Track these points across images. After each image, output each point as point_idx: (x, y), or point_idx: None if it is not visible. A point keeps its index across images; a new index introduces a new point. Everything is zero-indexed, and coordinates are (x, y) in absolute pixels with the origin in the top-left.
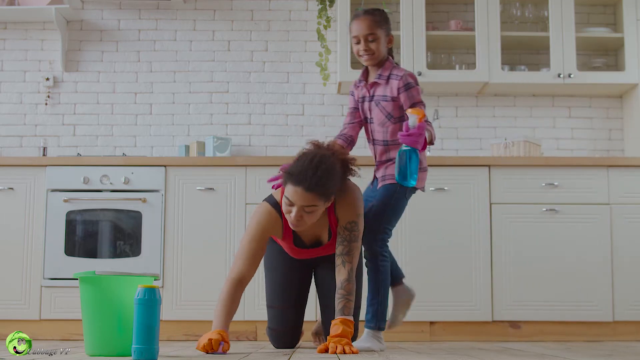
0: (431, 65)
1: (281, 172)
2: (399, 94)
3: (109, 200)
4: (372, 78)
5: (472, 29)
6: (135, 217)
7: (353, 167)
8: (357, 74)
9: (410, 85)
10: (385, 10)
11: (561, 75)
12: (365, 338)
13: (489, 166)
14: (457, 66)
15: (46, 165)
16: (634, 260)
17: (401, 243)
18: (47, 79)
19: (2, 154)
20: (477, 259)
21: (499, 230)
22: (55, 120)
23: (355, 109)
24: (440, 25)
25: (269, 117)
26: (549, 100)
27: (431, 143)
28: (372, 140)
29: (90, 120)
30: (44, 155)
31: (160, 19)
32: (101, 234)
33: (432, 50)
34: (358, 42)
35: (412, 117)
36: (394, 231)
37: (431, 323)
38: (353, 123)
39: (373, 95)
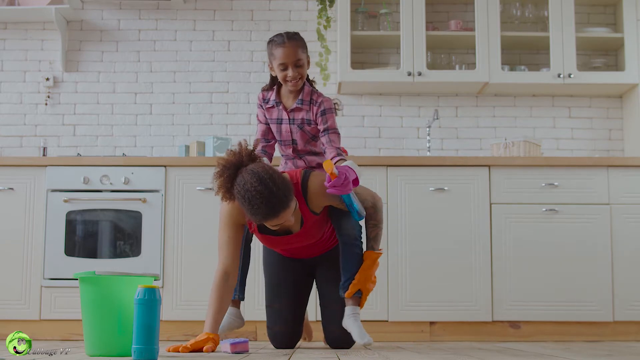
0: (431, 65)
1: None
2: (316, 118)
3: (109, 200)
4: (291, 103)
5: (472, 29)
6: (135, 217)
7: (257, 153)
8: (358, 74)
9: (325, 112)
10: (385, 10)
11: (561, 75)
12: (359, 326)
13: (489, 166)
14: (457, 66)
15: (46, 165)
16: (634, 261)
17: (401, 243)
18: (47, 79)
19: (2, 154)
20: (477, 259)
21: (499, 230)
22: (55, 120)
23: (267, 125)
24: (440, 25)
25: None
26: (549, 100)
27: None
28: (293, 149)
29: (90, 120)
30: (44, 155)
31: (160, 19)
32: (101, 234)
33: (432, 50)
34: (285, 69)
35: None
36: (393, 231)
37: (431, 323)
38: (270, 143)
39: (293, 119)
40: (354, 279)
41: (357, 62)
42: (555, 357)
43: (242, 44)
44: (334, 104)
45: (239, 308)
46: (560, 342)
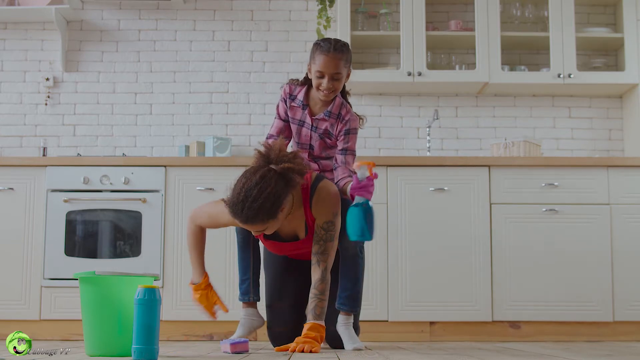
0: (431, 65)
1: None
2: (339, 134)
3: (109, 201)
4: (319, 110)
5: (472, 29)
6: (135, 217)
7: (296, 178)
8: (358, 74)
9: (349, 131)
10: (385, 10)
11: (561, 75)
12: (349, 333)
13: (489, 166)
14: (457, 66)
15: (46, 165)
16: (634, 260)
17: (401, 243)
18: (47, 79)
19: (2, 154)
20: (477, 259)
21: (499, 230)
22: (55, 120)
23: (286, 122)
24: (440, 25)
25: (269, 117)
26: (549, 100)
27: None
28: (308, 153)
29: (90, 120)
30: (44, 155)
31: (160, 19)
32: (101, 234)
33: (432, 50)
34: (321, 77)
35: (362, 169)
36: (394, 231)
37: (431, 323)
38: (285, 141)
39: (316, 127)
40: (350, 292)
41: (357, 62)
42: (555, 357)
43: (242, 44)
44: (360, 119)
45: (255, 308)
46: (560, 342)
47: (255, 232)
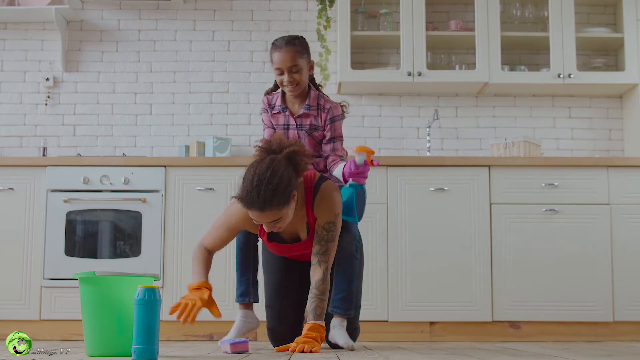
0: (431, 66)
1: (233, 199)
2: (325, 125)
3: (109, 201)
4: (298, 108)
5: (472, 29)
6: (135, 217)
7: (302, 160)
8: (358, 74)
9: (334, 119)
10: (385, 10)
11: (561, 76)
12: (343, 334)
13: (489, 166)
14: (457, 66)
15: (46, 166)
16: (634, 261)
17: (401, 243)
18: (47, 79)
19: (2, 154)
20: (477, 259)
21: (499, 230)
22: (55, 120)
23: (275, 129)
24: (440, 25)
25: None
26: (549, 100)
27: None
28: None
29: (90, 120)
30: (44, 155)
31: (160, 19)
32: (101, 234)
33: (432, 50)
34: (281, 74)
35: (361, 155)
36: (394, 231)
37: (431, 323)
38: None
39: (301, 125)
40: (343, 293)
41: (357, 62)
42: (555, 357)
43: (242, 44)
44: (342, 106)
45: (252, 310)
46: (560, 342)
47: (269, 225)
